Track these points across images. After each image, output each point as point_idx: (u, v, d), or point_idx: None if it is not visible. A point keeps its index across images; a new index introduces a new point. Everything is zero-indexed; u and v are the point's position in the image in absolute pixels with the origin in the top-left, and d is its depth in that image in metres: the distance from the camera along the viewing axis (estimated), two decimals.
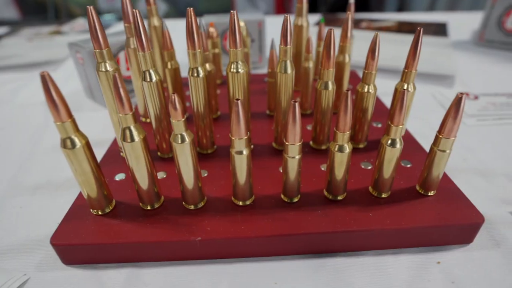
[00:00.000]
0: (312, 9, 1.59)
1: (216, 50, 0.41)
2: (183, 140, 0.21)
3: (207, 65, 0.34)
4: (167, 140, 0.30)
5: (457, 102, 0.21)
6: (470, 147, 0.35)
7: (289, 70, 0.26)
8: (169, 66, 0.34)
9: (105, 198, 0.24)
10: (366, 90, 0.27)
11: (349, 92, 0.21)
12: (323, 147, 0.30)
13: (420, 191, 0.25)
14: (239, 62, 0.26)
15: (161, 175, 0.28)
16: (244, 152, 0.22)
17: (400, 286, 0.21)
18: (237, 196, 0.24)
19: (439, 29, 0.71)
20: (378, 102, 0.39)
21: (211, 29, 0.39)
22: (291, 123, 0.21)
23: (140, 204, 0.24)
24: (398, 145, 0.22)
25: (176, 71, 0.34)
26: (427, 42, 0.63)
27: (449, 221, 0.23)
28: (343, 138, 0.22)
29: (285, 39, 0.25)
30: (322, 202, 0.24)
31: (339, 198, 0.25)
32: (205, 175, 0.28)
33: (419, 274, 0.22)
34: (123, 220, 0.24)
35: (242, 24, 0.39)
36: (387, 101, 0.40)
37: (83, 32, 0.76)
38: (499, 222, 0.26)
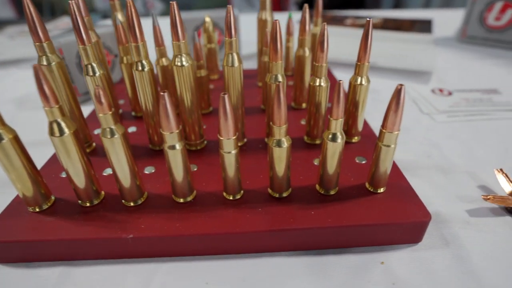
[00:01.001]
0: (310, 6, 1.57)
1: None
2: (112, 134, 0.20)
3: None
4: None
5: (397, 94, 0.20)
6: (437, 143, 0.33)
7: (236, 63, 0.25)
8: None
9: (41, 195, 0.23)
10: (317, 83, 0.26)
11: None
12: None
13: (369, 188, 0.24)
14: (183, 55, 0.25)
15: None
16: (177, 147, 0.21)
17: (338, 287, 0.20)
18: (176, 193, 0.23)
19: (424, 26, 0.70)
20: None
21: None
22: (222, 117, 0.20)
23: (79, 201, 0.24)
24: (339, 140, 0.21)
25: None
26: (409, 39, 0.62)
27: (394, 219, 0.21)
28: (280, 132, 0.21)
29: (229, 32, 0.24)
30: (264, 199, 0.23)
31: (284, 195, 0.23)
32: (152, 171, 0.27)
33: (360, 275, 0.21)
34: (59, 217, 0.23)
35: (208, 19, 0.38)
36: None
37: (67, 30, 0.75)
38: (453, 220, 0.25)
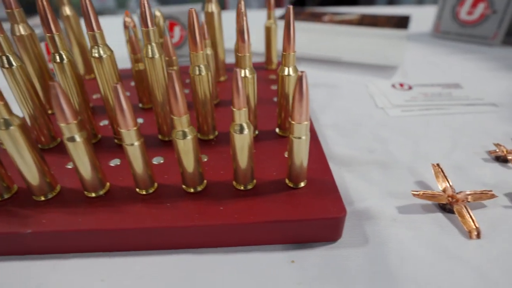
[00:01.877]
0: (301, 3, 1.55)
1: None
2: (7, 125, 0.19)
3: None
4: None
5: (299, 83, 0.19)
6: (384, 138, 0.32)
7: (156, 55, 0.24)
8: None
9: None
10: (243, 74, 0.25)
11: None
12: (211, 136, 0.28)
13: (289, 183, 0.23)
14: (100, 46, 0.24)
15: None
16: (77, 139, 0.20)
17: (242, 285, 0.19)
18: (86, 187, 0.22)
19: (401, 22, 0.68)
20: None
21: (127, 19, 0.37)
22: (118, 109, 0.19)
23: None
24: (246, 131, 0.20)
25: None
26: (382, 35, 0.60)
27: (304, 216, 0.20)
28: (181, 123, 0.20)
29: (144, 22, 0.23)
30: (178, 194, 0.22)
31: (199, 189, 0.22)
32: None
33: (265, 273, 0.20)
34: None
35: (158, 14, 0.37)
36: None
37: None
38: (380, 217, 0.23)
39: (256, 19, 0.61)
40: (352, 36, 0.59)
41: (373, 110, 0.37)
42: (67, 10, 0.37)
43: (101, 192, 0.22)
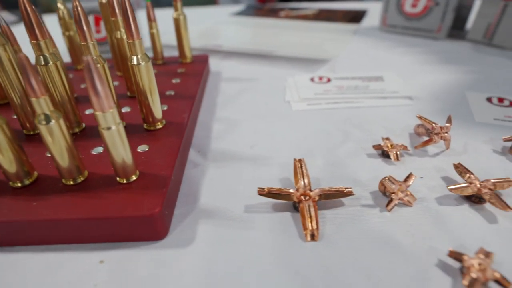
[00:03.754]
0: None
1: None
2: None
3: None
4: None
5: (85, 69, 0.16)
6: (273, 133, 0.30)
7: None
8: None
9: None
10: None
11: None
12: (76, 129, 0.26)
13: (118, 180, 0.21)
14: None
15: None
16: None
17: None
18: None
19: (356, 16, 0.65)
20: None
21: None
22: None
23: None
24: (53, 121, 0.18)
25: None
26: (327, 29, 0.58)
27: (113, 213, 0.18)
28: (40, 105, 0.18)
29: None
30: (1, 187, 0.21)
31: (26, 182, 0.21)
32: None
33: (67, 273, 0.18)
34: None
35: (61, 6, 0.36)
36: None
37: None
38: (222, 216, 0.21)
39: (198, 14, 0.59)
40: (298, 31, 0.57)
41: (279, 104, 0.35)
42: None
43: None
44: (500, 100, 0.34)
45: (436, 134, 0.26)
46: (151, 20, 0.36)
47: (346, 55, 0.47)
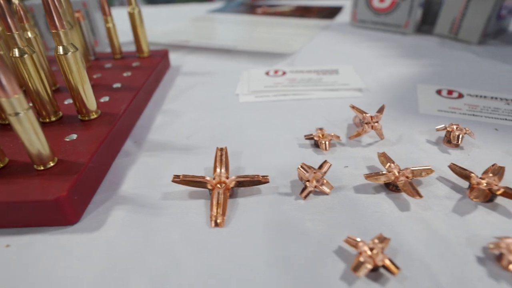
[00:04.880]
0: None
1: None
2: None
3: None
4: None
5: None
6: (213, 124, 0.29)
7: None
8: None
9: None
10: (61, 52, 0.23)
11: None
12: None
13: (35, 167, 0.21)
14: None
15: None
16: None
17: None
18: None
19: (332, 12, 0.65)
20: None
21: None
22: None
23: None
24: None
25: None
26: (301, 24, 0.58)
27: (15, 197, 0.18)
28: None
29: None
30: None
31: None
32: None
33: None
34: None
35: (16, 1, 0.36)
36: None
37: None
38: (137, 203, 0.21)
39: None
40: (269, 27, 0.57)
41: (228, 97, 0.34)
42: None
43: None
44: (450, 92, 0.33)
45: (366, 123, 0.25)
46: (106, 14, 0.37)
47: (310, 50, 0.47)
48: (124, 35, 0.44)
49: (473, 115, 0.29)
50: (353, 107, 0.27)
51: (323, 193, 0.21)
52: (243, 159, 0.25)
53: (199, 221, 0.20)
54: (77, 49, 0.24)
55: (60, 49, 0.23)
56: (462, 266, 0.17)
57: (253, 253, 0.18)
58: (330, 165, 0.21)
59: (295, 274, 0.17)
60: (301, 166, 0.21)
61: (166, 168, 0.24)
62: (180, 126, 0.29)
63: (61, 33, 0.23)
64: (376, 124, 0.25)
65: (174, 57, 0.45)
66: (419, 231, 0.19)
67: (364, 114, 0.25)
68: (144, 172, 0.24)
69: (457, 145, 0.25)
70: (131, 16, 0.37)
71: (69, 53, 0.23)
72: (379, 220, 0.19)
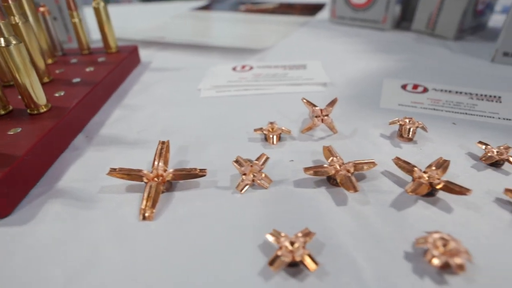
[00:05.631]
0: None
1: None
2: None
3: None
4: None
5: None
6: (169, 119, 0.29)
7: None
8: None
9: None
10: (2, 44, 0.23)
11: None
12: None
13: None
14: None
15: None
16: None
17: None
18: None
19: (314, 9, 0.64)
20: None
21: None
22: None
23: None
24: None
25: None
26: (280, 21, 0.57)
27: None
28: None
29: None
30: None
31: None
32: None
33: None
34: None
35: None
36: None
37: None
38: (73, 196, 0.21)
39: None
40: (247, 24, 0.56)
41: (190, 92, 0.34)
42: None
43: None
44: (415, 86, 0.33)
45: (316, 117, 0.25)
46: (71, 9, 0.36)
47: (284, 46, 0.46)
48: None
49: (434, 109, 0.29)
50: (304, 100, 0.26)
51: (261, 187, 0.21)
52: (189, 153, 0.24)
53: (131, 215, 0.19)
54: (20, 41, 0.23)
55: (2, 40, 0.23)
56: (389, 262, 0.16)
57: (177, 247, 0.17)
58: (268, 157, 0.21)
59: (214, 268, 0.16)
60: (236, 160, 0.21)
61: (110, 162, 0.24)
62: (135, 121, 0.29)
63: (1, 24, 0.22)
64: (326, 117, 0.25)
65: (147, 53, 0.45)
66: (351, 226, 0.18)
67: (313, 108, 0.25)
68: (87, 166, 0.24)
69: (410, 139, 0.25)
70: (96, 11, 0.36)
71: (11, 45, 0.23)
72: (313, 214, 0.19)
